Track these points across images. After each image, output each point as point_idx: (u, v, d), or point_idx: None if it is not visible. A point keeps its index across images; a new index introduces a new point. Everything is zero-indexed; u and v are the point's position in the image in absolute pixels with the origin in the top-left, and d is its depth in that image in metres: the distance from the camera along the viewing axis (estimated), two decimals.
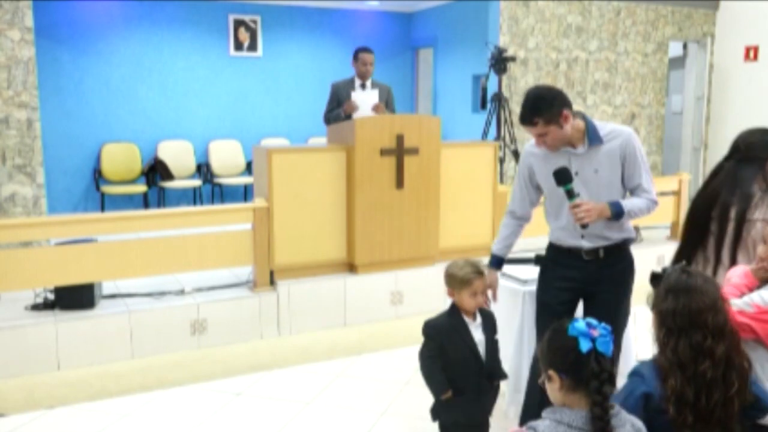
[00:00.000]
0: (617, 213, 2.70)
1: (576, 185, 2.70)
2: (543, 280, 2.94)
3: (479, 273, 2.68)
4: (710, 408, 1.82)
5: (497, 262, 2.98)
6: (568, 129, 2.68)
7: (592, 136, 2.71)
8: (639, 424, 1.76)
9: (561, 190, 2.70)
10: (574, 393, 1.71)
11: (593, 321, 1.74)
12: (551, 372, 1.74)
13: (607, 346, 1.70)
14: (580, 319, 1.76)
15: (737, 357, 1.90)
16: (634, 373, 1.95)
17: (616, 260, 2.83)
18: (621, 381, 3.16)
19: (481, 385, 2.68)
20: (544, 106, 2.62)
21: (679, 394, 1.83)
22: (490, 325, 2.74)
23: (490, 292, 2.89)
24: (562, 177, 2.67)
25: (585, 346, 1.69)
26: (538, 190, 2.93)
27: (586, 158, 2.72)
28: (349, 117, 5.29)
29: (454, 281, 2.67)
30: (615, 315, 2.82)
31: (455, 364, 2.63)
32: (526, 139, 7.53)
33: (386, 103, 5.53)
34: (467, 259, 2.76)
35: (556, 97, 2.65)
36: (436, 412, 2.72)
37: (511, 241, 3.00)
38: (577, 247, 2.80)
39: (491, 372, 2.70)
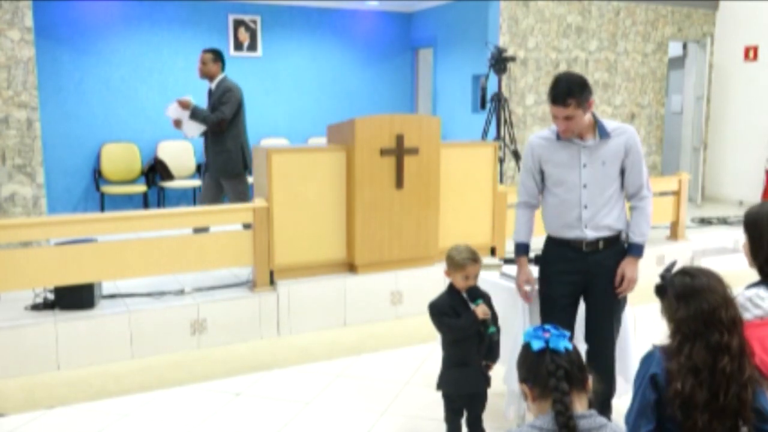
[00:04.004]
0: (641, 251, 2.89)
1: (583, 176, 2.83)
2: (545, 276, 3.00)
3: (474, 260, 2.81)
4: (727, 402, 1.82)
5: (525, 248, 3.04)
6: (588, 118, 2.82)
7: (601, 131, 2.84)
8: (620, 430, 1.76)
9: (572, 178, 2.84)
10: (542, 401, 1.73)
11: (547, 326, 1.80)
12: (522, 385, 1.78)
13: (559, 343, 1.74)
14: (531, 325, 1.80)
15: (746, 343, 1.91)
16: (647, 357, 1.96)
17: (613, 251, 2.90)
18: (620, 378, 3.17)
19: (482, 358, 2.85)
20: (578, 89, 2.75)
21: (687, 397, 1.82)
22: (487, 305, 2.85)
23: (528, 287, 2.99)
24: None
25: (537, 345, 1.75)
26: (542, 177, 3.00)
27: (594, 151, 2.84)
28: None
29: (451, 263, 2.84)
30: (613, 304, 2.94)
31: (458, 338, 2.80)
32: (526, 139, 7.55)
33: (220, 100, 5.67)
34: (468, 245, 2.90)
35: (587, 83, 2.80)
36: (441, 383, 2.87)
37: (530, 225, 3.07)
38: (579, 239, 2.88)
39: (488, 350, 2.83)
